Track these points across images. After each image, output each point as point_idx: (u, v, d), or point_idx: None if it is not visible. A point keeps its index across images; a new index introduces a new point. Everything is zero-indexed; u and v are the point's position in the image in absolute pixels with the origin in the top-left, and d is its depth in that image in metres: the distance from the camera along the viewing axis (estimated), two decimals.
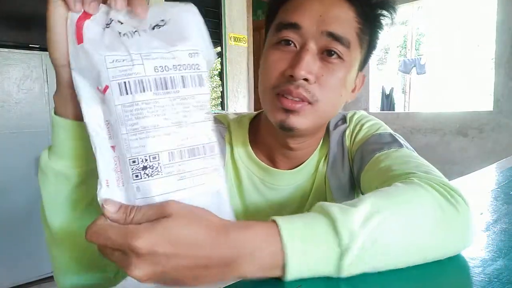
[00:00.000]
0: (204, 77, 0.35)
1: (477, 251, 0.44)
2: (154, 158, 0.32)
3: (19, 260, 1.94)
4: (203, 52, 0.36)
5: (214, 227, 0.32)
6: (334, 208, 0.36)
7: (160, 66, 0.33)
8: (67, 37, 0.34)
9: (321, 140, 0.68)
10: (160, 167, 0.33)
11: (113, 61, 0.32)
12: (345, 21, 0.55)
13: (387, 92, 4.89)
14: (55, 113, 0.41)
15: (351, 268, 0.34)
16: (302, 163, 0.66)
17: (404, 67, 4.69)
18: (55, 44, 0.35)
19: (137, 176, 0.32)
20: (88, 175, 0.42)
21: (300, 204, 0.68)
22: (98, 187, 0.33)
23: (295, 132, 0.56)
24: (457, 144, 3.51)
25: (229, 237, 0.32)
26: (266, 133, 0.66)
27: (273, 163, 0.66)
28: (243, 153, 0.67)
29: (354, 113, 0.70)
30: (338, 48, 0.54)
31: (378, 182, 0.53)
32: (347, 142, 0.67)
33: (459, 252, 0.42)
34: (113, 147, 0.34)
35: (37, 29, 2.13)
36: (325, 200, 0.67)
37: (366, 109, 4.25)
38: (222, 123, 0.70)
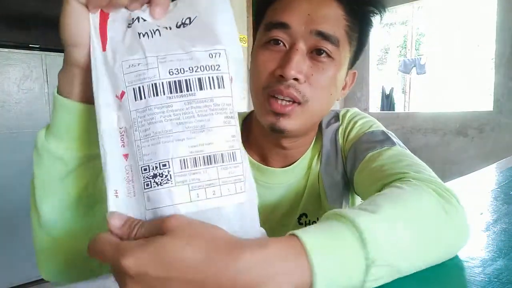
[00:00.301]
0: (226, 78, 0.32)
1: (477, 251, 0.44)
2: (165, 165, 0.30)
3: (19, 260, 1.94)
4: (230, 50, 0.33)
5: (222, 248, 0.27)
6: (360, 217, 0.33)
7: (175, 69, 0.31)
8: (87, 30, 0.34)
9: (314, 138, 0.68)
10: (171, 175, 0.30)
11: (129, 66, 0.31)
12: (334, 20, 0.55)
13: (387, 92, 4.89)
14: (58, 92, 0.39)
15: (373, 281, 0.32)
16: (295, 161, 0.66)
17: (404, 67, 4.69)
18: (68, 26, 0.34)
19: (147, 185, 0.30)
20: (86, 159, 0.41)
21: (294, 203, 0.68)
22: (107, 197, 0.31)
23: (286, 134, 0.56)
24: (457, 144, 3.51)
25: (242, 260, 0.27)
26: (258, 132, 0.66)
27: (265, 162, 0.66)
28: None
29: (347, 111, 0.70)
30: (327, 46, 0.54)
31: (371, 181, 0.53)
32: (340, 140, 0.67)
33: (459, 251, 0.42)
34: (125, 155, 0.32)
35: (37, 29, 2.13)
36: (319, 198, 0.67)
37: (366, 109, 4.25)
38: None
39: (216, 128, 0.31)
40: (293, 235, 0.31)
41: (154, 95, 0.31)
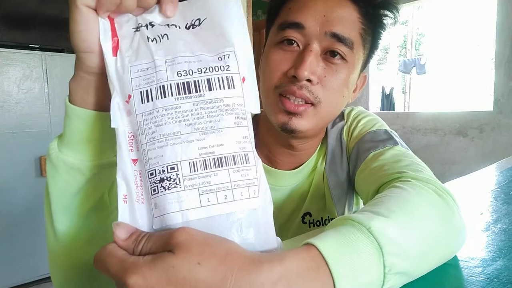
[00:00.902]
0: (236, 78, 0.31)
1: (477, 251, 0.44)
2: (173, 168, 0.29)
3: (19, 260, 1.94)
4: (240, 50, 0.32)
5: (237, 265, 0.25)
6: (375, 223, 0.32)
7: (183, 71, 0.30)
8: (98, 34, 0.33)
9: (321, 140, 0.68)
10: (179, 179, 0.28)
11: (137, 70, 0.31)
12: (349, 22, 0.54)
13: (387, 92, 4.89)
14: (70, 101, 0.37)
15: (390, 286, 0.31)
16: (303, 163, 0.66)
17: (404, 67, 4.69)
18: (80, 33, 0.33)
19: (154, 190, 0.29)
20: (102, 168, 0.40)
21: (298, 203, 0.68)
22: (118, 204, 0.30)
23: (296, 134, 0.56)
24: (457, 144, 3.51)
25: (260, 278, 0.25)
26: (266, 133, 0.65)
27: (273, 164, 0.66)
28: None
29: (352, 109, 0.70)
30: (342, 49, 0.54)
31: (371, 181, 0.53)
32: (345, 139, 0.67)
33: (458, 251, 0.42)
34: (134, 160, 0.30)
35: (37, 29, 2.13)
36: (323, 197, 0.67)
37: (366, 109, 4.25)
38: None
39: (226, 129, 0.30)
40: (310, 244, 0.29)
41: (161, 97, 0.30)
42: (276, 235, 0.32)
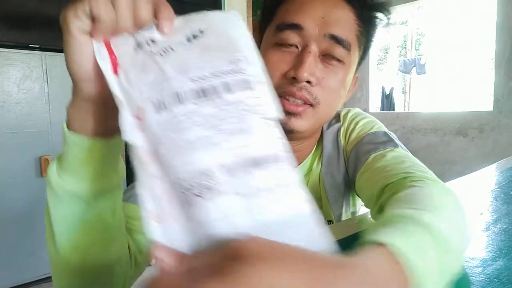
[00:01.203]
0: (253, 80, 0.29)
1: (477, 251, 0.44)
2: (205, 174, 0.26)
3: (19, 260, 1.94)
4: (251, 56, 0.31)
5: (320, 270, 0.22)
6: (430, 218, 0.31)
7: (197, 76, 0.29)
8: (94, 60, 0.31)
9: (316, 142, 0.68)
10: (214, 184, 0.26)
11: (146, 83, 0.29)
12: (347, 24, 0.55)
13: (387, 92, 4.89)
14: (68, 127, 0.37)
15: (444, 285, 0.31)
16: (298, 165, 0.66)
17: (404, 67, 4.68)
18: (76, 61, 0.32)
19: (187, 201, 0.26)
20: (104, 192, 0.39)
21: None
22: (145, 226, 0.26)
23: (295, 134, 0.56)
24: (457, 144, 3.51)
25: (350, 279, 0.23)
26: None
27: None
28: None
29: (348, 111, 0.70)
30: (340, 50, 0.54)
31: (373, 182, 0.53)
32: (342, 141, 0.66)
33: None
34: (156, 175, 0.28)
35: (37, 29, 2.13)
36: (320, 200, 0.67)
37: (366, 109, 4.25)
38: None
39: (256, 128, 0.27)
40: (379, 243, 0.28)
41: (178, 104, 0.28)
42: None
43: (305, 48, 0.53)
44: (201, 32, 0.31)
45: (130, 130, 0.28)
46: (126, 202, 0.51)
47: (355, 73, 0.62)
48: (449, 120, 3.55)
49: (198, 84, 0.28)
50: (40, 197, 2.15)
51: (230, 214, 0.25)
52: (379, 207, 0.48)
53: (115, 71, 0.31)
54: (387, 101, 4.86)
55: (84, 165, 0.37)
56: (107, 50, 0.31)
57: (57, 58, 2.06)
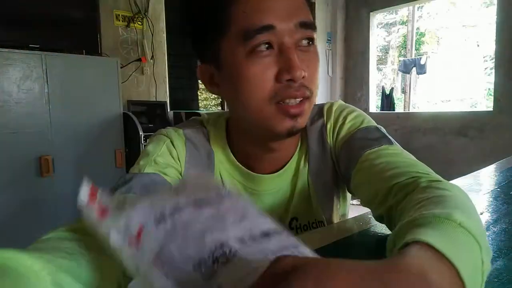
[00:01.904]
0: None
1: None
2: (221, 246, 0.28)
3: None
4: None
5: (380, 276, 0.22)
6: (477, 233, 0.31)
7: (189, 199, 0.33)
8: None
9: (300, 138, 0.66)
10: (234, 250, 0.27)
11: (144, 206, 0.32)
12: (304, 6, 0.54)
13: (387, 92, 4.89)
14: None
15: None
16: (284, 166, 0.64)
17: (404, 67, 4.69)
18: None
19: (214, 272, 0.26)
20: None
21: (284, 208, 0.66)
22: None
23: (298, 132, 0.55)
24: (457, 144, 3.51)
25: (404, 281, 0.22)
26: (243, 140, 0.63)
27: (251, 168, 0.64)
28: (223, 157, 0.65)
29: (331, 105, 0.67)
30: (312, 34, 0.53)
31: (376, 180, 0.52)
32: (329, 138, 0.64)
33: None
34: (165, 273, 0.28)
35: (37, 29, 2.13)
36: (309, 200, 0.65)
37: (366, 109, 4.25)
38: (204, 126, 0.67)
39: (257, 215, 0.32)
40: (421, 242, 0.27)
41: (178, 213, 0.31)
42: None
43: (281, 45, 0.51)
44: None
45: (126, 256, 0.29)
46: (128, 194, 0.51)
47: None
48: (449, 120, 3.56)
49: (197, 200, 0.32)
50: (40, 197, 2.16)
51: (256, 266, 0.26)
52: (388, 207, 0.48)
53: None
54: (387, 101, 4.86)
55: None
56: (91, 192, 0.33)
57: (57, 58, 2.06)
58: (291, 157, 0.65)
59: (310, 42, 0.54)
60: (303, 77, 0.51)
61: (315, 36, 0.54)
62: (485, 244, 0.31)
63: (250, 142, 0.62)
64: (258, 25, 0.49)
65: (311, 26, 0.53)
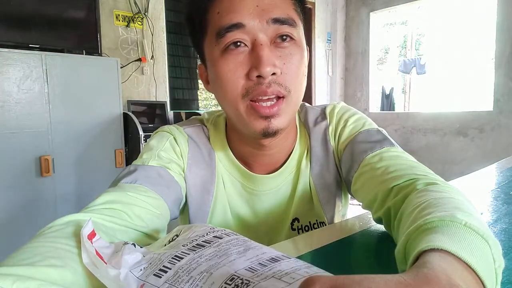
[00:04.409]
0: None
1: None
2: (232, 279, 0.27)
3: None
4: None
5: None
6: (472, 221, 0.32)
7: (186, 243, 0.33)
8: None
9: (298, 138, 0.66)
10: (246, 279, 0.27)
11: (141, 269, 0.32)
12: (283, 2, 0.53)
13: (387, 92, 4.89)
14: None
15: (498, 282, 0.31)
16: (282, 165, 0.64)
17: (404, 67, 4.68)
18: None
19: None
20: None
21: (285, 208, 0.66)
22: None
23: (278, 134, 0.54)
24: (457, 144, 3.51)
25: None
26: (235, 140, 0.63)
27: (250, 168, 0.64)
28: (223, 156, 0.65)
29: (334, 107, 0.67)
30: (288, 30, 0.52)
31: (376, 183, 0.52)
32: (332, 141, 0.64)
33: None
34: None
35: (37, 29, 2.13)
36: (311, 201, 0.65)
37: (366, 109, 4.25)
38: (204, 125, 0.67)
39: (261, 246, 0.32)
40: (437, 249, 0.28)
41: (178, 260, 0.31)
42: (267, 242, 0.33)
43: (254, 42, 0.51)
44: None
45: None
46: (134, 184, 0.52)
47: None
48: (449, 120, 3.56)
49: (191, 244, 0.33)
50: (40, 197, 2.16)
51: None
52: (387, 208, 0.48)
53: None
54: (387, 101, 4.86)
55: None
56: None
57: (57, 58, 2.07)
58: (289, 156, 0.65)
59: (288, 38, 0.53)
60: (274, 73, 0.51)
61: (295, 32, 0.53)
62: (493, 241, 0.31)
63: (243, 141, 0.62)
64: (228, 24, 0.51)
65: (287, 22, 0.52)
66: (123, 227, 0.46)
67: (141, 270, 0.32)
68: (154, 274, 0.30)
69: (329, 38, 4.34)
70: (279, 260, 0.29)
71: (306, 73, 0.57)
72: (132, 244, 0.36)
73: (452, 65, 6.26)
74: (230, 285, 0.26)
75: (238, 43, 0.51)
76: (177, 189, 0.59)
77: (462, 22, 6.19)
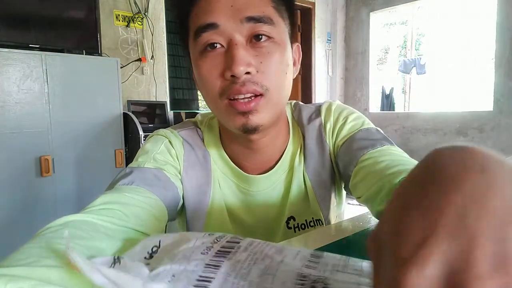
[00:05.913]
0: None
1: None
2: (304, 276, 0.28)
3: None
4: None
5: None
6: None
7: (205, 251, 0.32)
8: None
9: (290, 136, 0.66)
10: (317, 275, 0.28)
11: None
12: (258, 1, 0.52)
13: (387, 92, 4.88)
14: None
15: None
16: (275, 164, 0.64)
17: (404, 67, 4.68)
18: None
19: None
20: None
21: (280, 207, 0.66)
22: None
23: (259, 129, 0.54)
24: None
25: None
26: (229, 138, 0.64)
27: (243, 168, 0.64)
28: (217, 157, 0.65)
29: (330, 104, 0.67)
30: (264, 29, 0.51)
31: (378, 178, 0.52)
32: (328, 138, 0.65)
33: None
34: None
35: (37, 29, 2.13)
36: (306, 199, 0.65)
37: (366, 109, 4.25)
38: (198, 127, 0.68)
39: (285, 244, 0.32)
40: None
41: (218, 268, 0.29)
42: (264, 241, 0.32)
43: (229, 42, 0.51)
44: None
45: None
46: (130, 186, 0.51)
47: (292, 44, 0.59)
48: (449, 120, 3.56)
49: (212, 250, 0.31)
50: (40, 197, 2.15)
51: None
52: None
53: None
54: (387, 101, 4.86)
55: None
56: None
57: (57, 58, 2.06)
58: (282, 155, 0.65)
59: (263, 37, 0.52)
60: (249, 73, 0.51)
61: (273, 30, 0.53)
62: None
63: (234, 141, 0.62)
64: (203, 24, 0.51)
65: (262, 20, 0.51)
66: (122, 227, 0.46)
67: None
68: (194, 286, 0.27)
69: (329, 38, 4.34)
70: (322, 255, 0.30)
71: (290, 73, 0.57)
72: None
73: (452, 65, 6.26)
74: (304, 282, 0.26)
75: (215, 45, 0.52)
76: (174, 190, 0.59)
77: (462, 22, 6.19)
